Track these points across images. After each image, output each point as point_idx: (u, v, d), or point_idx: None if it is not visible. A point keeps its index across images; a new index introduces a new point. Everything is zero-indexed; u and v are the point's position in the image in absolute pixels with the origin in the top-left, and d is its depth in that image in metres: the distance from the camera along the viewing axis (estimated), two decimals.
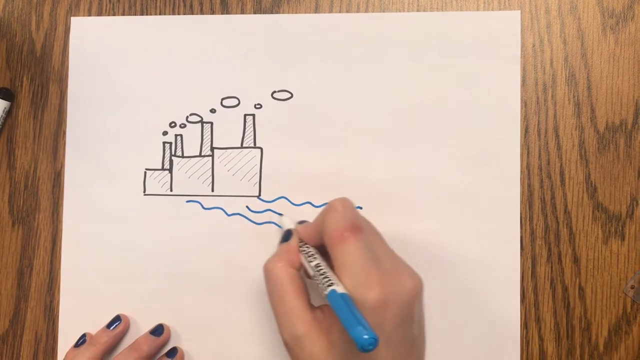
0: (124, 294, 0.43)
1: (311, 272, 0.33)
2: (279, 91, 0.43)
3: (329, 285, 0.30)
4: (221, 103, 0.43)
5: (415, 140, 0.42)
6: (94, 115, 0.44)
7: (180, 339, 0.42)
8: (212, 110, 0.43)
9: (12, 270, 0.44)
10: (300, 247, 0.35)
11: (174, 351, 0.42)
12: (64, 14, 0.45)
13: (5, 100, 0.44)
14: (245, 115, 0.43)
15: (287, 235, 0.36)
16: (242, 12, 0.44)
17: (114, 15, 0.44)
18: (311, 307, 0.33)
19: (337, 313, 0.29)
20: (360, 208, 0.42)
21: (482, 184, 0.41)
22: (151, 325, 0.43)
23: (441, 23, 0.42)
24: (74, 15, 0.45)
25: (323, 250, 0.34)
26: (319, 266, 0.33)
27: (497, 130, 0.41)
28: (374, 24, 0.42)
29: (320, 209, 0.42)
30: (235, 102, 0.43)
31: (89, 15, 0.45)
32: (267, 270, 0.34)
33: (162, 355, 0.42)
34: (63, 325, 0.43)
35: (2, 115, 0.44)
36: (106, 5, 0.45)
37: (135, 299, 0.43)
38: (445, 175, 0.41)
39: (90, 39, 0.44)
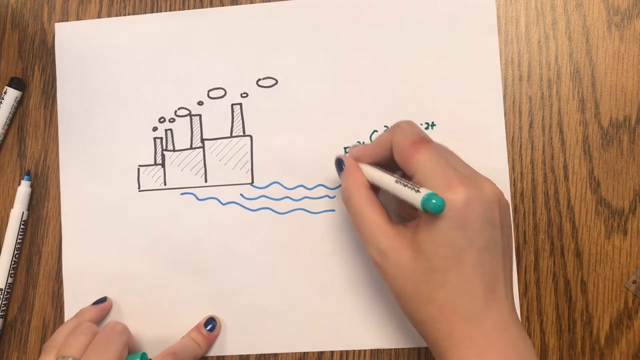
0: (126, 287, 0.44)
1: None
2: (263, 79, 0.44)
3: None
4: (208, 95, 0.44)
5: (399, 116, 0.42)
6: (84, 116, 0.45)
7: (184, 327, 0.43)
8: (200, 103, 0.44)
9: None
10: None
11: (212, 321, 0.42)
12: (76, 5, 0.46)
13: (17, 89, 0.45)
14: (232, 105, 0.44)
15: (339, 163, 0.37)
16: (252, 2, 0.44)
17: (124, 6, 0.45)
18: (392, 222, 0.34)
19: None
20: None
21: (469, 156, 0.41)
22: (153, 317, 0.43)
23: None
24: (85, 7, 0.45)
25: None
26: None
27: (480, 101, 0.42)
28: (352, 6, 0.43)
29: (313, 191, 0.43)
30: (221, 92, 0.44)
31: (100, 6, 0.45)
32: (345, 199, 0.36)
33: (200, 326, 0.42)
34: (69, 313, 0.44)
35: (13, 105, 0.45)
36: None
37: (136, 292, 0.43)
38: None
39: (74, 43, 0.45)
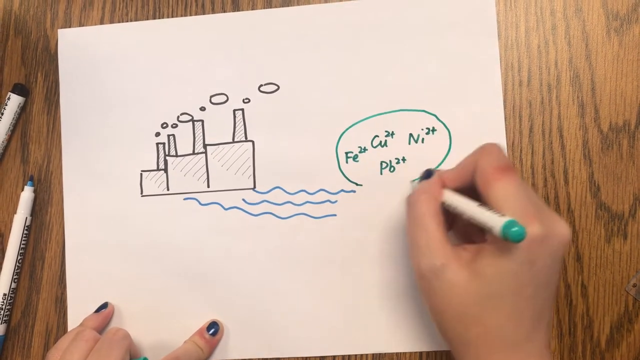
0: (129, 292, 0.44)
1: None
2: (265, 84, 0.44)
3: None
4: (210, 100, 0.44)
5: (400, 121, 0.43)
6: (87, 122, 0.45)
7: (186, 332, 0.43)
8: (202, 108, 0.44)
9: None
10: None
11: (214, 326, 0.42)
12: (78, 12, 0.46)
13: (20, 95, 0.45)
14: (234, 111, 0.44)
15: (428, 174, 0.36)
16: (253, 8, 0.44)
17: (126, 13, 0.45)
18: (449, 241, 0.33)
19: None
20: (354, 192, 0.43)
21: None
22: (156, 322, 0.43)
23: (418, 4, 0.43)
24: (87, 14, 0.46)
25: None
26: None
27: (481, 106, 0.42)
28: (353, 12, 0.43)
29: (315, 196, 0.43)
30: (223, 98, 0.44)
31: (102, 13, 0.46)
32: (411, 202, 0.35)
33: (202, 330, 0.42)
34: (72, 318, 0.44)
35: (16, 111, 0.45)
36: (119, 3, 0.46)
37: (139, 297, 0.44)
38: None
39: (77, 49, 0.46)
